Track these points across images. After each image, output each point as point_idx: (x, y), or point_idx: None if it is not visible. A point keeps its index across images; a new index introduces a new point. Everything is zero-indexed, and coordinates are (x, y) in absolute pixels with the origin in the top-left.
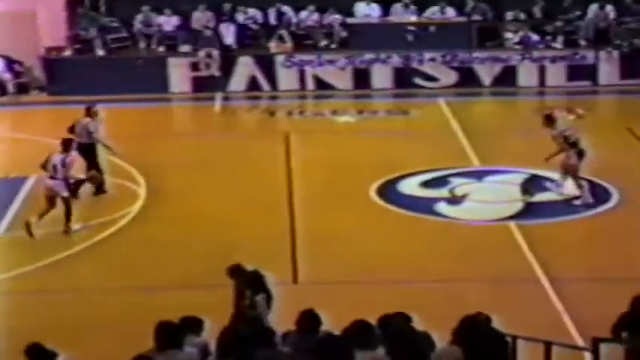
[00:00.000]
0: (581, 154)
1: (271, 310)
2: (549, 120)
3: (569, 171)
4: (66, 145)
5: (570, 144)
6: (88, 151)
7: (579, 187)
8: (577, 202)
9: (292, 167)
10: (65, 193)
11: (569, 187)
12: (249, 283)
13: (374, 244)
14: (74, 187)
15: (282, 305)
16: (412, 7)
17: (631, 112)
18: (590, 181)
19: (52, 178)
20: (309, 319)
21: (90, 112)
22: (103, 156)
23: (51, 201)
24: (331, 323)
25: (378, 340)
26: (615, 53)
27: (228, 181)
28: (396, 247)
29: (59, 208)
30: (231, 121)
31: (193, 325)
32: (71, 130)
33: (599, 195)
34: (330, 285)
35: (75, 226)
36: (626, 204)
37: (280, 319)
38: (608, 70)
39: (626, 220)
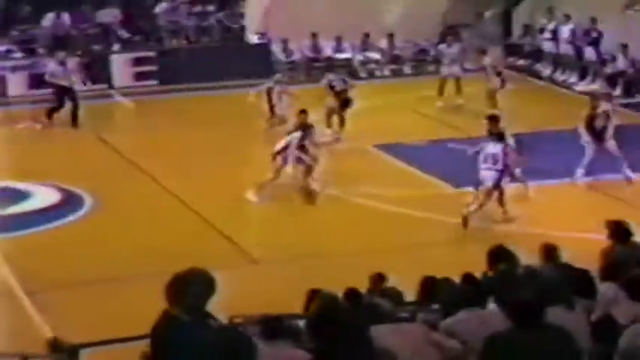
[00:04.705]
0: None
1: None
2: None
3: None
4: None
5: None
6: None
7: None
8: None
9: None
10: None
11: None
12: None
13: None
14: None
15: None
16: None
17: (98, 117)
18: (64, 190)
19: None
20: None
21: None
22: None
23: None
24: None
25: None
26: (74, 59)
27: None
28: None
29: None
30: None
31: None
32: None
33: (72, 202)
34: None
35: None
36: (99, 208)
37: None
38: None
39: (101, 223)
